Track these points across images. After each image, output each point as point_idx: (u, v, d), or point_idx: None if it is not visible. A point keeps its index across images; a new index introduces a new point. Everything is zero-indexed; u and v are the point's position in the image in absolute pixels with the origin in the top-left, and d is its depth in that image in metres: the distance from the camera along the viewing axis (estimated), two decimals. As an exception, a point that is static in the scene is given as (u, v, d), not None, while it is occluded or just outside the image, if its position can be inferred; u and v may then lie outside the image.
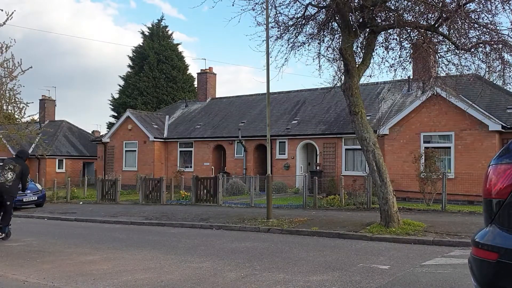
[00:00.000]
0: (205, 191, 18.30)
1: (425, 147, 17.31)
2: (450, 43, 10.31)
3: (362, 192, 16.43)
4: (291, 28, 11.74)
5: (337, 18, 11.08)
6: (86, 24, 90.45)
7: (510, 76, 10.20)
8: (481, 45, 9.88)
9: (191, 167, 26.24)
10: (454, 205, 15.18)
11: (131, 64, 42.06)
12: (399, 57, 11.13)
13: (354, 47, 11.37)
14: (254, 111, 26.62)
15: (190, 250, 8.73)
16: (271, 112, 21.38)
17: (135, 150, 27.46)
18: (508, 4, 9.29)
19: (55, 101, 37.69)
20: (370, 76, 13.02)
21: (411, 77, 16.86)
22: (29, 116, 14.02)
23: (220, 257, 7.89)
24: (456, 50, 10.28)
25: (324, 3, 11.30)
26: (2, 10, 11.56)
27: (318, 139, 21.90)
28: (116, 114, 41.08)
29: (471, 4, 9.91)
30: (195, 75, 37.19)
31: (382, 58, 11.43)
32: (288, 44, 11.92)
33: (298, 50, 12.10)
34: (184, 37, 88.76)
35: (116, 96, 42.12)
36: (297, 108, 24.86)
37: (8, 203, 10.17)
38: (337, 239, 9.89)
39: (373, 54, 11.30)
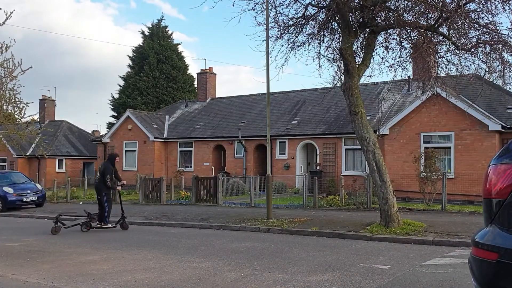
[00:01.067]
0: (205, 191, 18.30)
1: (425, 147, 17.32)
2: (450, 43, 10.30)
3: (362, 192, 16.43)
4: (291, 28, 11.74)
5: (337, 18, 11.08)
6: (86, 24, 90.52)
7: (510, 76, 10.19)
8: (481, 45, 9.88)
9: (191, 167, 26.24)
10: (454, 205, 15.18)
11: (131, 64, 42.06)
12: (399, 57, 11.14)
13: (354, 47, 11.36)
14: (254, 111, 26.62)
15: (190, 250, 8.73)
16: (271, 112, 21.38)
17: (135, 150, 27.46)
18: (508, 4, 9.29)
19: (55, 101, 37.65)
20: (370, 76, 13.03)
21: (411, 77, 16.86)
22: (29, 116, 13.94)
23: (220, 257, 7.89)
24: (456, 50, 10.27)
25: (324, 3, 11.30)
26: (0, 9, 11.47)
27: (318, 139, 21.89)
28: (116, 114, 41.07)
29: (471, 4, 9.91)
30: (195, 75, 37.22)
31: (382, 58, 11.43)
32: (288, 44, 11.93)
33: (298, 50, 12.11)
34: (184, 37, 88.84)
35: (116, 96, 42.11)
36: (297, 108, 24.86)
37: (99, 197, 12.13)
38: (337, 239, 9.88)
39: (373, 54, 11.29)
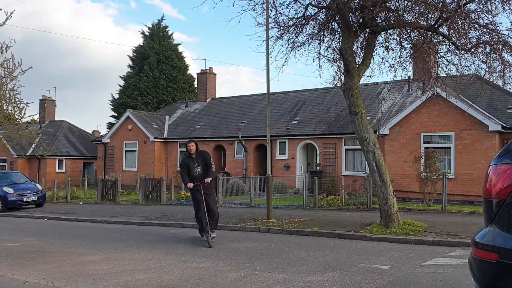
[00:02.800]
0: (205, 191, 18.27)
1: (425, 147, 17.31)
2: (450, 43, 10.29)
3: (362, 192, 16.43)
4: (291, 28, 11.73)
5: (337, 18, 11.08)
6: (87, 24, 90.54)
7: (510, 76, 10.18)
8: (481, 45, 9.88)
9: (191, 167, 26.17)
10: (454, 205, 15.17)
11: (131, 64, 42.07)
12: (399, 57, 11.12)
13: (354, 47, 11.35)
14: (254, 111, 26.62)
15: (190, 250, 8.73)
16: (271, 112, 21.37)
17: (135, 150, 27.46)
18: (508, 4, 9.29)
19: (55, 101, 37.64)
20: (370, 76, 13.00)
21: (411, 77, 16.86)
22: (29, 116, 14.05)
23: (220, 257, 7.89)
24: (456, 50, 10.27)
25: (324, 3, 11.29)
26: (1, 9, 11.53)
27: (318, 139, 21.89)
28: (116, 114, 41.07)
29: (471, 4, 9.90)
30: (195, 75, 37.20)
31: (382, 58, 11.42)
32: (288, 44, 11.90)
33: (298, 50, 12.08)
34: (184, 37, 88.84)
35: (116, 96, 42.12)
36: (297, 108, 24.86)
37: None
38: (337, 239, 9.88)
39: (373, 54, 11.27)
